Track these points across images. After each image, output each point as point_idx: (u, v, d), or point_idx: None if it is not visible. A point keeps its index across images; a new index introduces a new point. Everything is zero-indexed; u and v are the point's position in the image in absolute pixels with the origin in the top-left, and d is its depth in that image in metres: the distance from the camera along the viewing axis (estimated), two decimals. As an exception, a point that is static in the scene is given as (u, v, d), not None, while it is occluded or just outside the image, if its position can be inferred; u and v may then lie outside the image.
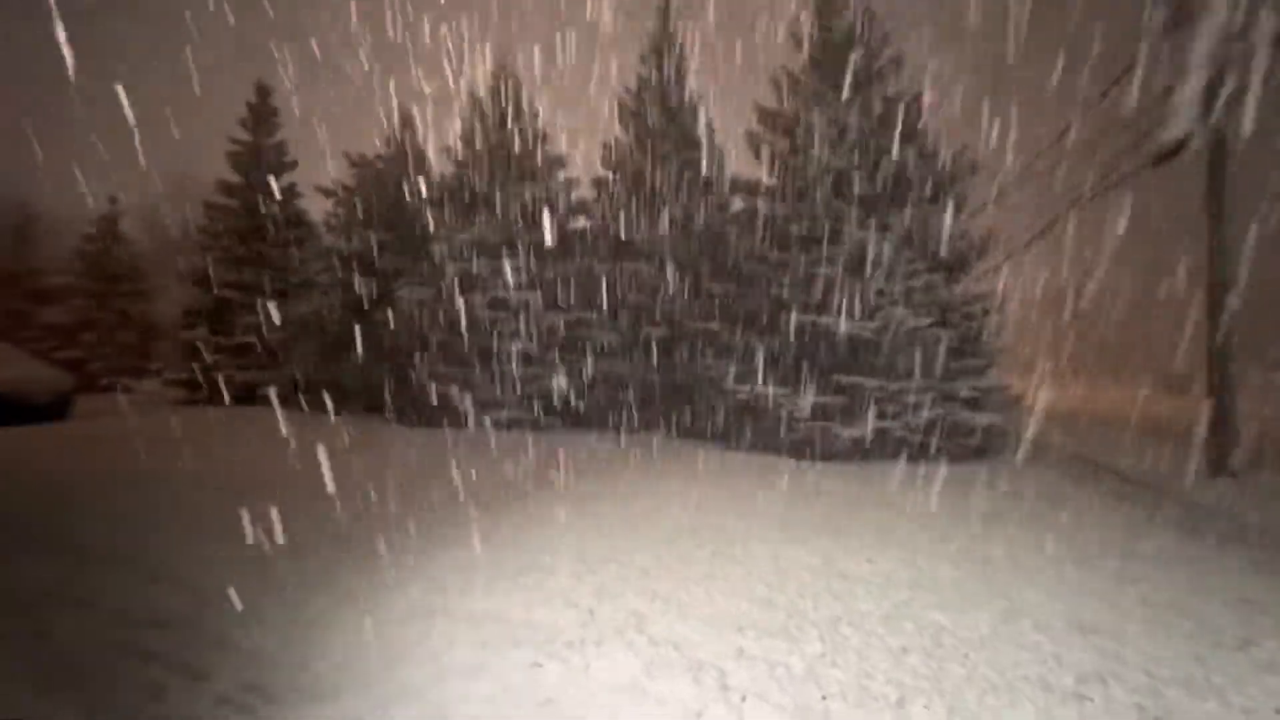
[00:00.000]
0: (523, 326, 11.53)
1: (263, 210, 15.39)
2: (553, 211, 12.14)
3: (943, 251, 9.34)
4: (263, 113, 16.21)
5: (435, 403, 11.14)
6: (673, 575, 4.04)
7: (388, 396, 11.87)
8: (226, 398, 13.52)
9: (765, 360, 9.54)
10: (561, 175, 12.60)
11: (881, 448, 8.80)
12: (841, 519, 5.59)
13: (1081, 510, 6.16)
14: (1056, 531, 5.31)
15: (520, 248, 11.90)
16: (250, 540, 4.41)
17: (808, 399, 8.82)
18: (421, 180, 12.89)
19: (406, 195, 12.80)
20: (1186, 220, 8.89)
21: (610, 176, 12.86)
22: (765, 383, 9.33)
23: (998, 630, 3.37)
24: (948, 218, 9.28)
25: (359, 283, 12.73)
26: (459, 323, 11.33)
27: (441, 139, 12.69)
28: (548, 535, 4.85)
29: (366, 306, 12.67)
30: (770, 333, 9.70)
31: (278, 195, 15.67)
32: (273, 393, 12.58)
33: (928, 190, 9.56)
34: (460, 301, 11.36)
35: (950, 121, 10.56)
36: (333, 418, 11.20)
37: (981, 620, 3.49)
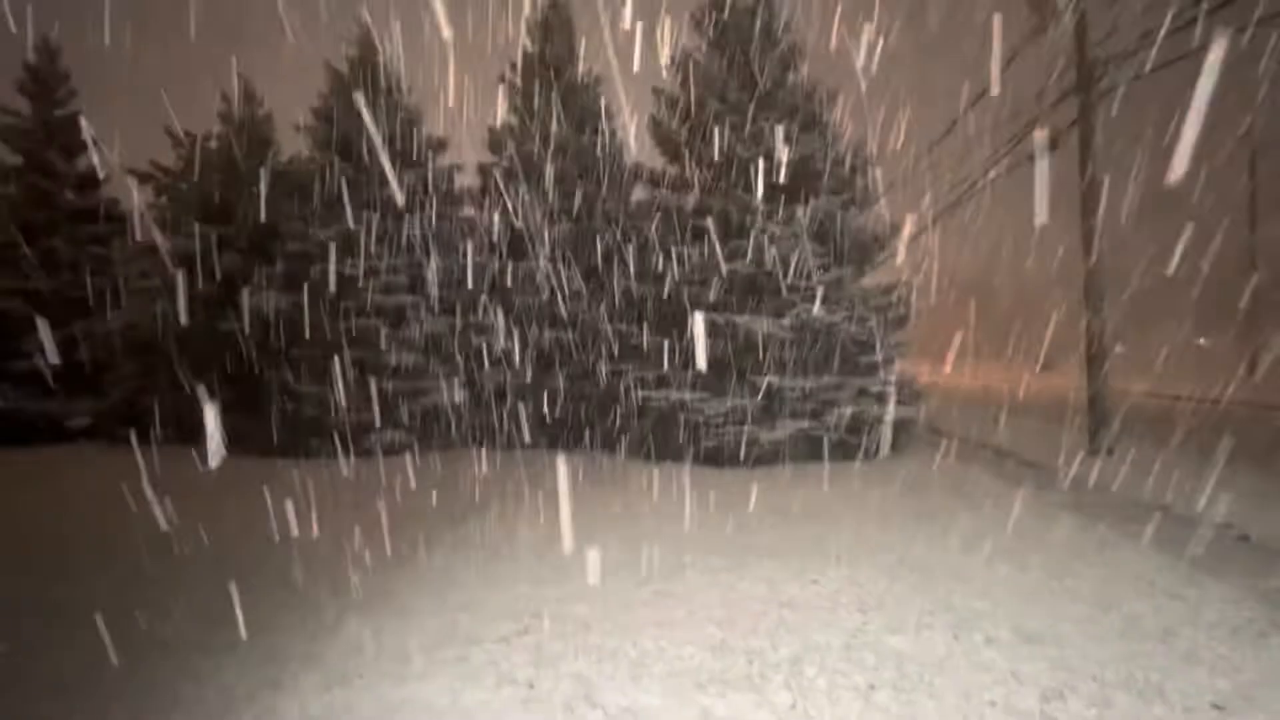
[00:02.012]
0: (401, 334, 10.79)
1: (64, 198, 13.25)
2: (433, 201, 11.46)
3: (848, 245, 9.85)
4: (48, 77, 13.91)
5: (296, 429, 10.16)
6: (617, 626, 3.86)
7: (230, 425, 10.66)
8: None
9: (678, 363, 9.58)
10: (442, 159, 11.93)
11: (800, 449, 9.14)
12: (775, 536, 5.68)
13: (996, 502, 6.70)
14: (980, 528, 5.72)
15: (395, 243, 11.12)
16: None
17: (725, 403, 8.96)
18: (271, 164, 11.64)
19: (252, 182, 11.50)
20: (1068, 209, 10.00)
21: (499, 161, 12.33)
22: (679, 387, 9.37)
23: (953, 650, 3.51)
24: (853, 210, 9.80)
25: (192, 288, 11.30)
26: (322, 333, 10.40)
27: (295, 116, 11.46)
28: (457, 592, 4.49)
29: (204, 317, 11.28)
30: (682, 334, 9.75)
31: (73, 180, 13.55)
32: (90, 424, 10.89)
33: (831, 182, 10.02)
34: (323, 308, 10.42)
35: (848, 111, 11.15)
36: (156, 453, 9.85)
37: (936, 640, 3.62)
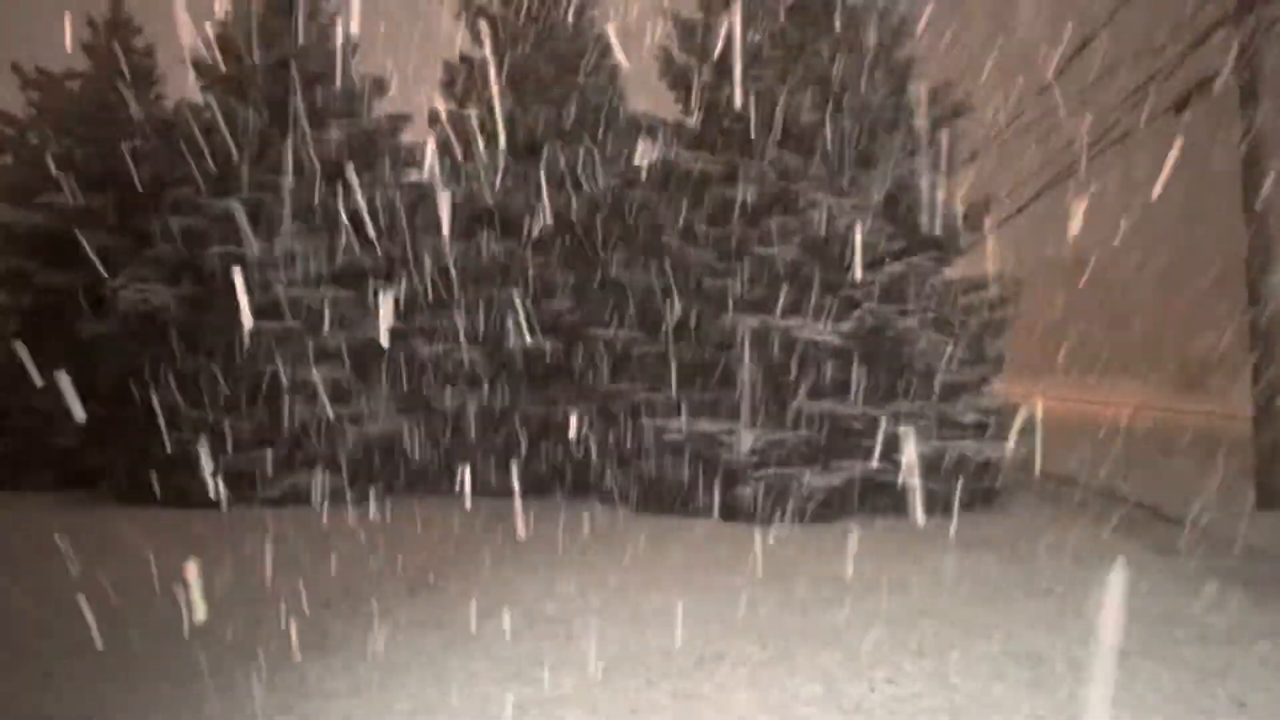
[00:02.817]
0: (325, 340, 10.87)
1: None
2: (370, 163, 11.58)
3: (929, 224, 9.92)
4: None
5: (178, 468, 10.17)
6: (622, 739, 3.89)
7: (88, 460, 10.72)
8: None
9: (699, 383, 9.65)
10: (383, 108, 12.08)
11: (864, 500, 9.18)
12: (834, 618, 5.70)
13: (1133, 573, 6.71)
14: (1110, 609, 5.73)
15: (319, 219, 11.22)
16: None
17: (763, 436, 9.01)
18: (153, 112, 11.80)
19: (127, 135, 11.63)
20: (1218, 181, 10.13)
21: (457, 110, 12.46)
22: (700, 415, 9.43)
23: (1080, 774, 3.54)
24: (937, 177, 9.89)
25: (44, 279, 11.41)
26: (218, 339, 10.47)
27: (183, 50, 11.59)
28: (403, 693, 4.51)
29: (59, 318, 11.38)
30: (704, 343, 9.82)
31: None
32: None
33: (908, 142, 10.13)
34: (221, 305, 10.51)
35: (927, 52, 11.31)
36: None
37: (1057, 761, 3.65)
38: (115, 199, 11.89)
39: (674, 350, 9.86)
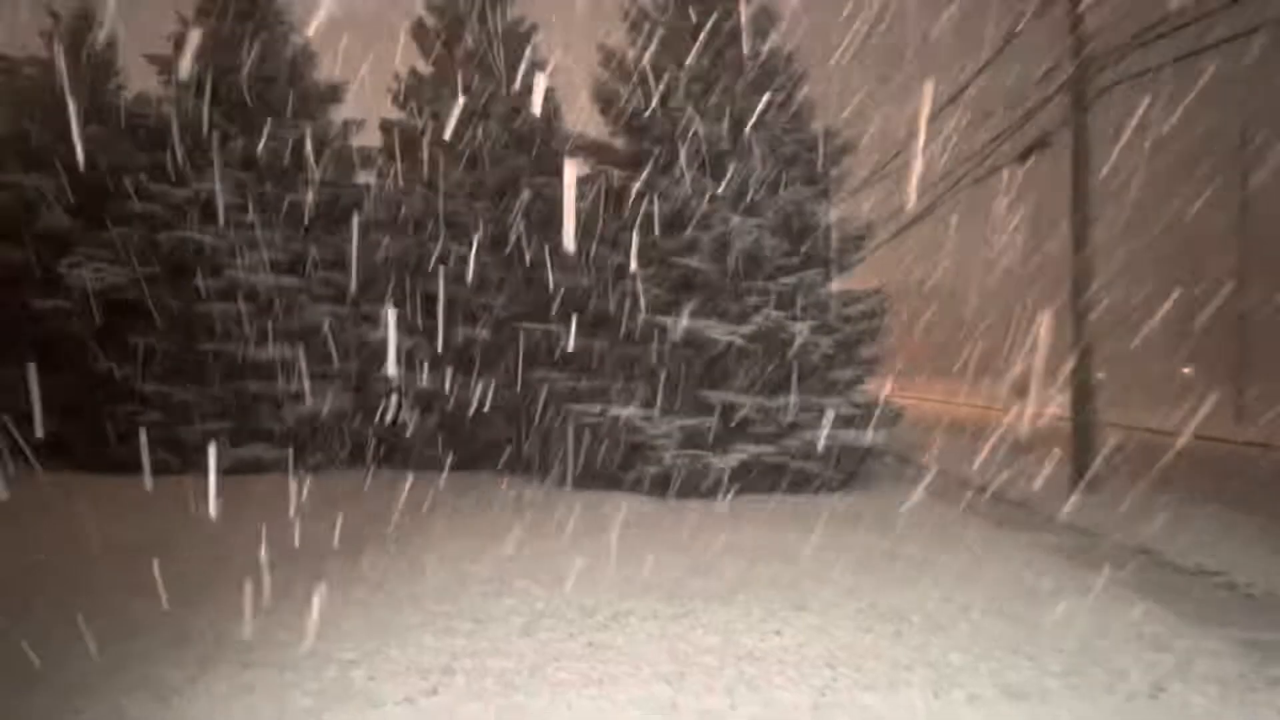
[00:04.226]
0: (275, 324, 10.41)
1: None
2: (323, 162, 11.14)
3: (819, 244, 10.19)
4: None
5: (133, 439, 9.59)
6: (546, 684, 3.85)
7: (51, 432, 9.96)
8: None
9: (619, 374, 9.65)
10: (337, 114, 11.64)
11: (757, 479, 9.36)
12: (731, 579, 5.80)
13: (975, 543, 7.08)
14: (958, 572, 6.03)
15: (273, 213, 10.73)
16: None
17: (672, 422, 9.08)
18: (113, 102, 11.03)
19: (87, 122, 10.84)
20: (1053, 218, 10.73)
21: (406, 119, 12.10)
22: (618, 402, 9.44)
23: (933, 709, 3.70)
24: (826, 204, 10.17)
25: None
26: (172, 318, 9.91)
27: (145, 45, 10.91)
28: (349, 644, 4.37)
29: (16, 293, 10.53)
30: (624, 338, 9.82)
31: None
32: None
33: (800, 171, 10.35)
34: (175, 287, 9.94)
35: (821, 92, 11.59)
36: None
37: (914, 698, 3.80)
38: (71, 184, 11.05)
39: (598, 344, 9.83)
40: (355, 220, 11.17)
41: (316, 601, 4.86)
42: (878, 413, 10.03)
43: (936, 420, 21.91)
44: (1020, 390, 35.02)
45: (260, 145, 10.73)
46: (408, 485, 9.60)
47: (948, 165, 13.43)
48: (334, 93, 11.77)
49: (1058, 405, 11.27)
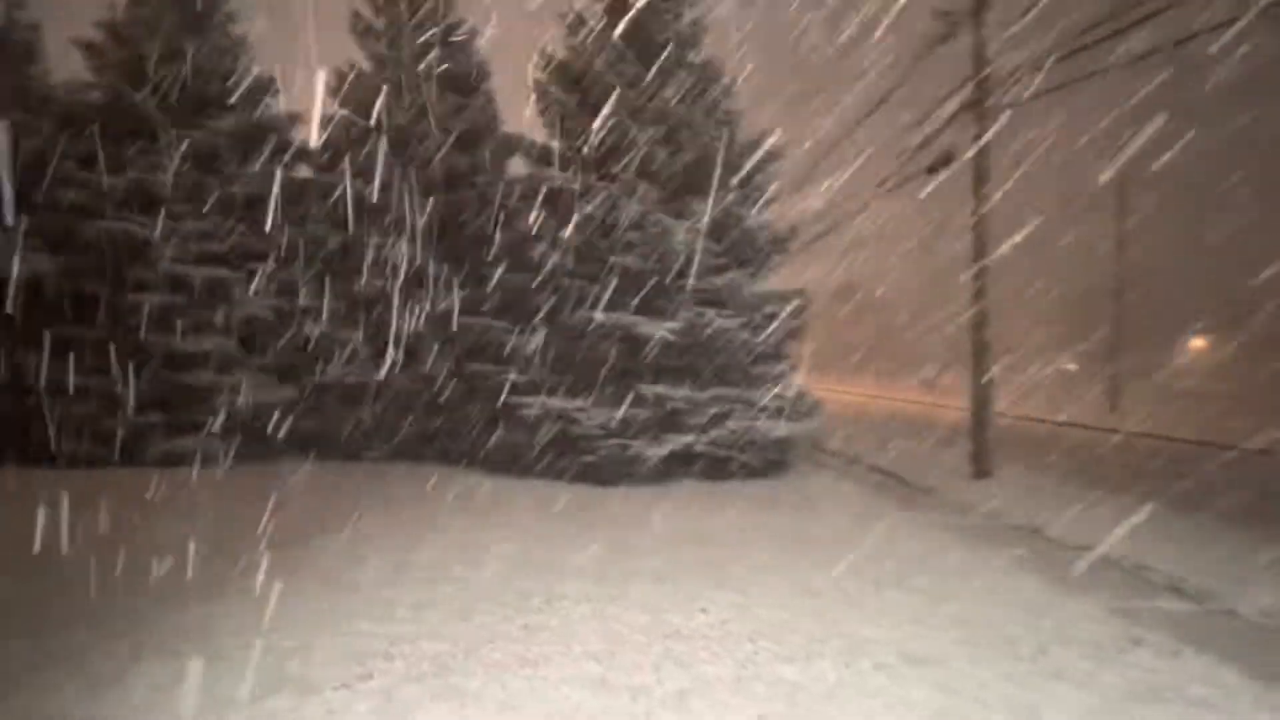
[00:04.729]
0: (211, 316, 9.95)
1: None
2: (259, 154, 10.69)
3: (746, 247, 10.37)
4: None
5: (62, 432, 9.06)
6: (481, 665, 3.82)
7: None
8: None
9: (555, 367, 9.60)
10: (275, 106, 11.16)
11: (686, 467, 9.47)
12: (660, 561, 5.87)
13: (885, 525, 7.34)
14: (870, 552, 6.25)
15: (208, 203, 10.23)
16: None
17: (607, 414, 9.09)
18: (36, 86, 10.29)
19: (6, 109, 10.09)
20: (959, 228, 11.18)
21: (346, 115, 11.70)
22: (555, 394, 9.39)
23: (843, 677, 3.83)
24: (753, 208, 10.34)
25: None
26: (102, 309, 9.35)
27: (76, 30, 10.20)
28: (285, 631, 4.24)
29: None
30: (561, 334, 9.77)
31: None
32: None
33: (730, 177, 10.49)
34: (105, 277, 9.38)
35: (750, 103, 11.77)
36: None
37: (827, 668, 3.93)
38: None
39: (535, 338, 9.76)
40: (293, 213, 10.75)
41: (253, 592, 4.70)
42: (799, 405, 10.29)
43: (854, 412, 22.61)
44: (929, 385, 36.51)
45: (193, 134, 10.22)
46: (346, 476, 9.38)
47: (869, 176, 13.88)
48: (272, 84, 11.27)
49: (961, 398, 11.77)
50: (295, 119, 11.41)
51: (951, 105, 11.01)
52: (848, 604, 4.96)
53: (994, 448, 10.36)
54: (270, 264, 10.45)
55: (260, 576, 4.90)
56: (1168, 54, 8.83)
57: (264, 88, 11.16)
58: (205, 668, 3.68)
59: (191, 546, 5.35)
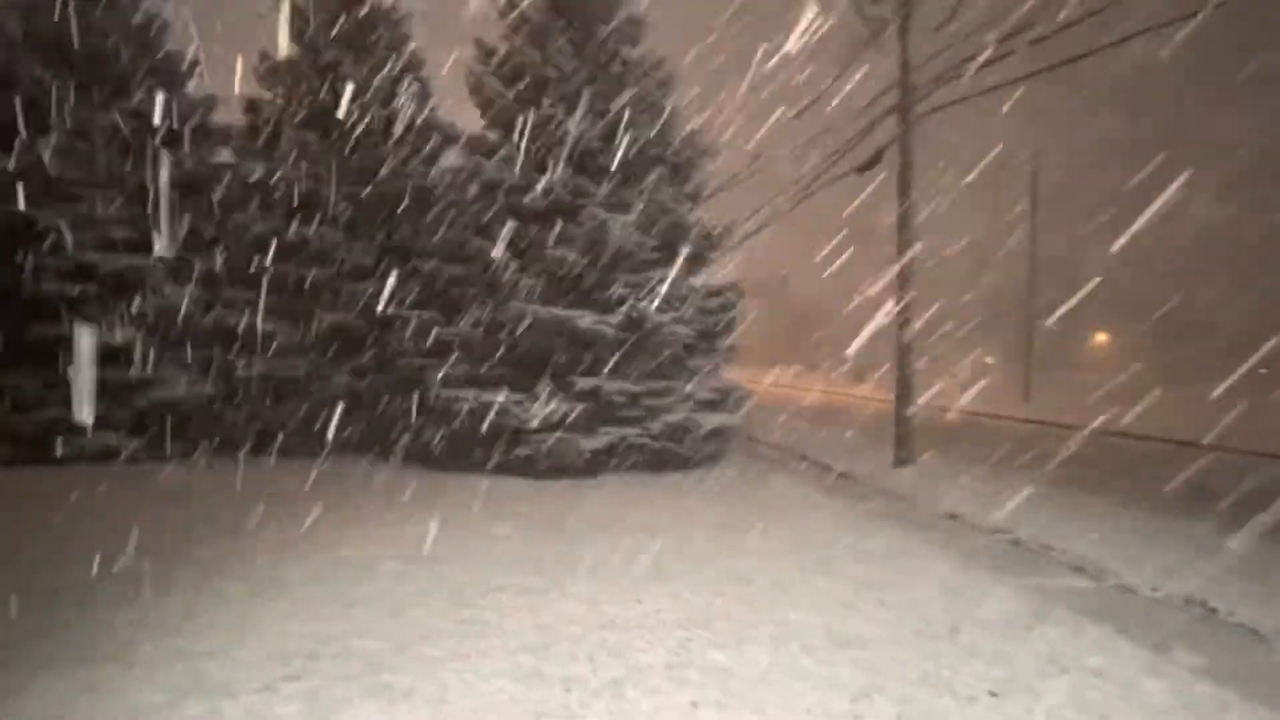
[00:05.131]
0: (125, 307, 9.40)
1: None
2: (175, 137, 10.14)
3: (681, 240, 10.44)
4: None
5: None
6: (413, 661, 3.75)
7: None
8: None
9: (490, 360, 9.47)
10: (195, 88, 10.62)
11: (622, 459, 9.50)
12: (596, 553, 5.87)
13: (814, 513, 7.55)
14: (799, 539, 6.41)
15: (119, 186, 9.65)
16: None
17: (544, 407, 9.02)
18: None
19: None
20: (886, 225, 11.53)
21: (271, 99, 11.22)
22: (491, 387, 9.27)
23: (774, 661, 3.92)
24: (688, 204, 10.42)
25: None
26: (6, 302, 8.72)
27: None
28: (204, 635, 4.06)
29: None
30: (496, 326, 9.64)
31: None
32: None
33: (665, 172, 10.54)
34: (9, 266, 8.76)
35: (685, 102, 11.84)
36: None
37: (758, 653, 4.02)
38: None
39: (472, 331, 9.60)
40: (214, 199, 10.25)
41: (170, 594, 4.48)
42: (733, 397, 10.45)
43: (786, 404, 23.11)
44: (858, 377, 37.59)
45: (104, 115, 9.61)
46: (275, 472, 9.03)
47: (801, 173, 14.17)
48: (191, 67, 10.69)
49: (886, 389, 12.16)
50: (215, 102, 10.86)
51: (880, 107, 11.39)
52: (778, 590, 5.07)
53: (916, 437, 10.77)
54: (188, 253, 9.93)
55: (178, 578, 4.68)
56: (1092, 60, 9.32)
57: (182, 68, 10.58)
58: (118, 674, 3.49)
59: (101, 550, 5.06)
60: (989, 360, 39.64)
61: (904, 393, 10.62)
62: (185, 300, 9.84)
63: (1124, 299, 36.01)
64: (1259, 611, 4.84)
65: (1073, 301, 20.41)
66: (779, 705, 3.44)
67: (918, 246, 10.59)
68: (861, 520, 7.36)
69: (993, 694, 3.62)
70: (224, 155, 11.00)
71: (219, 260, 10.14)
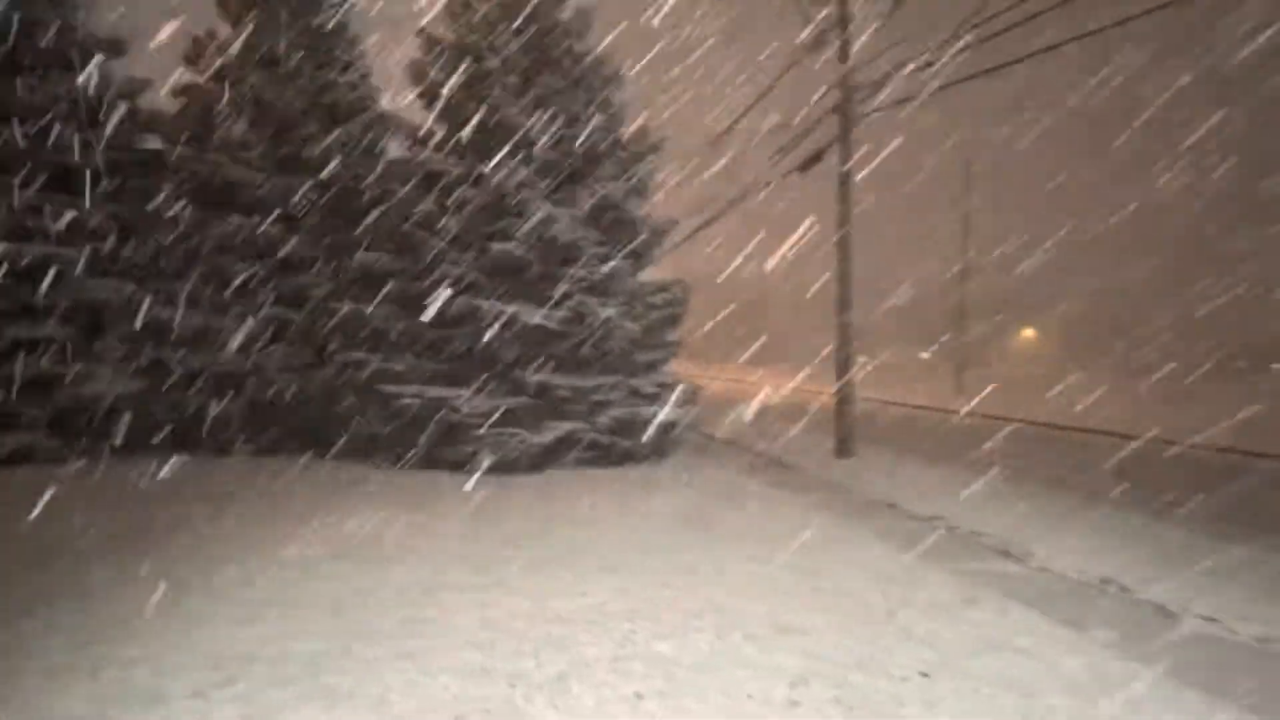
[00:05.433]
0: (44, 299, 8.90)
1: None
2: (99, 123, 9.61)
3: (628, 236, 10.43)
4: None
5: None
6: (355, 662, 3.66)
7: None
8: None
9: (434, 355, 9.31)
10: (121, 70, 10.09)
11: (568, 453, 9.46)
12: (542, 548, 5.85)
13: (757, 504, 7.68)
14: (743, 530, 6.52)
15: (39, 176, 9.12)
16: None
17: (487, 402, 8.92)
18: None
19: None
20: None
21: (204, 84, 10.74)
22: (433, 383, 9.12)
23: (716, 649, 3.98)
24: (635, 199, 10.42)
25: None
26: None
27: None
28: (131, 641, 3.89)
29: None
30: (439, 320, 9.47)
31: None
32: None
33: (612, 167, 10.52)
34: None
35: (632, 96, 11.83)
36: None
37: (701, 642, 4.07)
38: None
39: (415, 325, 9.40)
40: (146, 187, 9.77)
41: (97, 599, 4.27)
42: (680, 391, 10.51)
43: (731, 397, 23.37)
44: (799, 371, 38.27)
45: (18, 97, 9.06)
46: (211, 472, 8.71)
47: (743, 172, 14.33)
48: (116, 46, 10.14)
49: (828, 385, 12.43)
50: (144, 85, 10.34)
51: (821, 108, 11.60)
52: (722, 580, 5.14)
53: (856, 430, 11.07)
54: (115, 243, 9.45)
55: (105, 582, 4.47)
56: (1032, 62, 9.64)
57: (105, 48, 10.02)
58: (40, 683, 3.31)
59: (16, 554, 4.79)
60: (925, 355, 40.91)
61: (845, 387, 10.88)
62: (111, 293, 9.36)
63: (1049, 295, 37.74)
64: (1168, 588, 5.15)
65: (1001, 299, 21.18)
66: (721, 693, 3.49)
67: (860, 245, 10.85)
68: (804, 510, 7.51)
69: (923, 674, 3.76)
70: (153, 141, 10.49)
71: (148, 251, 9.68)
